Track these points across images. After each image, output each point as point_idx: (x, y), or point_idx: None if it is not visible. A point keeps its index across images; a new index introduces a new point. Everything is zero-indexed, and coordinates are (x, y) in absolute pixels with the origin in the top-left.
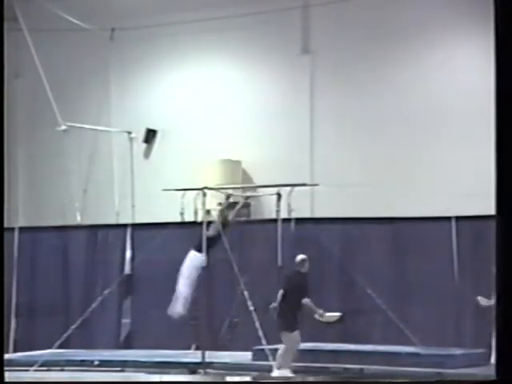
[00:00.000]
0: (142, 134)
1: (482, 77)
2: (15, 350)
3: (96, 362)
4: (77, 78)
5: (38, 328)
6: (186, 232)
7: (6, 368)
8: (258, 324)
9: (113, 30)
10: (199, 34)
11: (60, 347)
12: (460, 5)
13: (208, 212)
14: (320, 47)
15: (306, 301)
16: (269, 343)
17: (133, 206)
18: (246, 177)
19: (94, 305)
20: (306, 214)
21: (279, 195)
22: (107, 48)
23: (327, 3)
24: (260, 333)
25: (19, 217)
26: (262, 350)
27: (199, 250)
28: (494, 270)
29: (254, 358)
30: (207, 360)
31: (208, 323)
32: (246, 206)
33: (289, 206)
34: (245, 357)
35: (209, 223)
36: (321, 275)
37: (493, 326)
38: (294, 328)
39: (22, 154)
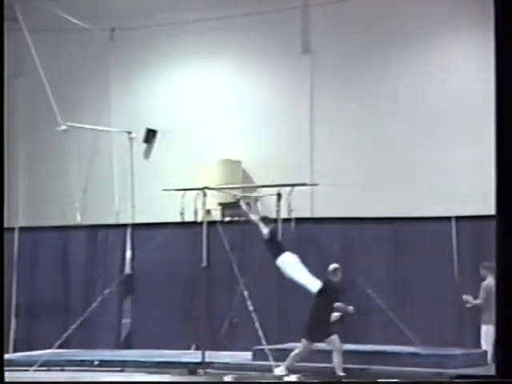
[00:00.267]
0: (142, 134)
1: (481, 77)
2: (15, 350)
3: (96, 362)
4: (77, 78)
5: (38, 328)
6: (186, 232)
7: (5, 368)
8: (257, 324)
9: (113, 29)
10: (199, 34)
11: (60, 347)
12: (460, 5)
13: (208, 212)
14: (320, 47)
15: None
16: (269, 343)
17: (133, 206)
18: (246, 177)
19: (94, 305)
20: (306, 214)
21: (279, 195)
22: (107, 48)
23: (327, 3)
24: (260, 333)
25: (19, 217)
26: (262, 350)
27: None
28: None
29: (254, 357)
30: (207, 360)
31: (208, 323)
32: (246, 205)
33: (289, 205)
34: (245, 357)
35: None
36: (321, 275)
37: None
38: (316, 338)
39: (22, 154)
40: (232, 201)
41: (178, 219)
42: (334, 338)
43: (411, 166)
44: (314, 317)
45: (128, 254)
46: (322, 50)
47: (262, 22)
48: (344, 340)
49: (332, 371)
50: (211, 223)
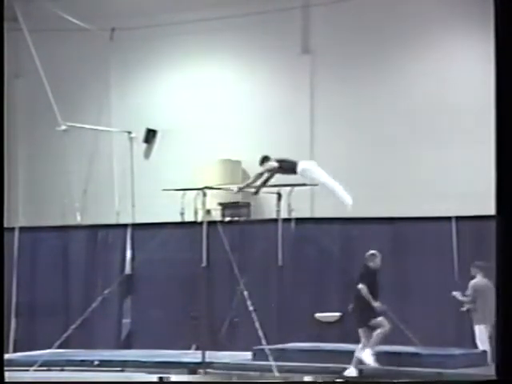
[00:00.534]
0: (142, 134)
1: (481, 77)
2: (15, 350)
3: (96, 362)
4: (77, 78)
5: (38, 328)
6: (186, 232)
7: (5, 368)
8: (257, 324)
9: (113, 29)
10: (199, 34)
11: (60, 347)
12: (460, 5)
13: (208, 212)
14: (320, 47)
15: (361, 287)
16: (269, 343)
17: (133, 206)
18: (246, 177)
19: (94, 305)
20: (306, 214)
21: (279, 195)
22: (107, 48)
23: (327, 3)
24: (260, 333)
25: (19, 217)
26: (262, 349)
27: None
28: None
29: (254, 357)
30: (207, 360)
31: (208, 323)
32: (246, 205)
33: (289, 206)
34: (245, 357)
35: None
36: (321, 275)
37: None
38: (372, 316)
39: (22, 154)
40: (232, 201)
41: (178, 219)
42: (381, 319)
43: (411, 166)
44: (358, 303)
45: (128, 254)
46: (322, 50)
47: (262, 21)
48: (344, 340)
49: (332, 371)
50: (211, 223)
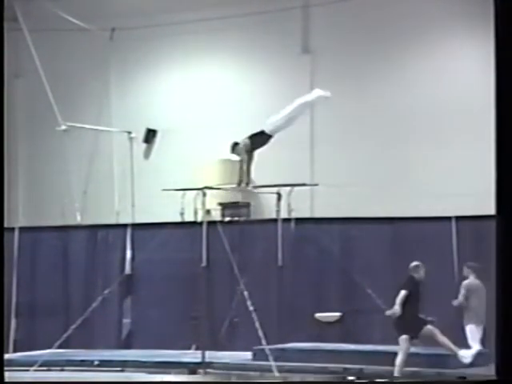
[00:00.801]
0: (142, 134)
1: (482, 77)
2: (15, 350)
3: (96, 362)
4: (77, 78)
5: (38, 328)
6: (186, 232)
7: (5, 368)
8: (257, 324)
9: (113, 29)
10: (199, 34)
11: (60, 347)
12: (460, 4)
13: (208, 212)
14: (320, 47)
15: (403, 293)
16: (269, 343)
17: (133, 206)
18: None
19: (94, 305)
20: (306, 214)
21: (279, 195)
22: (107, 48)
23: (327, 3)
24: (260, 333)
25: (19, 217)
26: (262, 349)
27: None
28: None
29: (254, 357)
30: (207, 360)
31: (208, 323)
32: (246, 205)
33: (289, 205)
34: (245, 357)
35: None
36: (321, 275)
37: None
38: (421, 326)
39: (22, 154)
40: (232, 201)
41: (178, 219)
42: (426, 329)
43: (411, 166)
44: (403, 314)
45: (128, 253)
46: (321, 49)
47: (262, 21)
48: (344, 340)
49: (332, 371)
50: (211, 223)
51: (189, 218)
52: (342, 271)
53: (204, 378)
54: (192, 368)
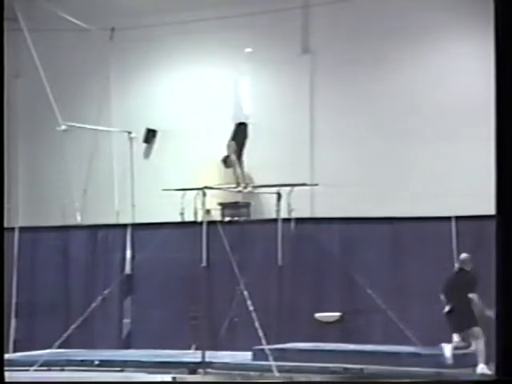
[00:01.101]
0: (142, 134)
1: (482, 77)
2: (15, 350)
3: (96, 362)
4: (77, 78)
5: (38, 328)
6: (186, 232)
7: (5, 368)
8: (257, 324)
9: (113, 29)
10: (199, 34)
11: (60, 347)
12: (460, 5)
13: (208, 212)
14: (320, 47)
15: (473, 296)
16: (269, 343)
17: (133, 206)
18: (246, 177)
19: (93, 304)
20: (306, 214)
21: (279, 195)
22: (107, 48)
23: (327, 3)
24: (260, 333)
25: (19, 217)
26: (262, 349)
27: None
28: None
29: (254, 357)
30: (207, 360)
31: (208, 323)
32: (246, 205)
33: (289, 205)
34: (245, 357)
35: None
36: (321, 275)
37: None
38: (471, 324)
39: (22, 154)
40: (232, 201)
41: (178, 219)
42: (477, 329)
43: (411, 166)
44: (455, 307)
45: (128, 253)
46: (321, 49)
47: (262, 21)
48: (344, 340)
49: (332, 371)
50: (211, 223)
51: (189, 217)
52: (342, 271)
53: (204, 377)
54: (192, 368)
